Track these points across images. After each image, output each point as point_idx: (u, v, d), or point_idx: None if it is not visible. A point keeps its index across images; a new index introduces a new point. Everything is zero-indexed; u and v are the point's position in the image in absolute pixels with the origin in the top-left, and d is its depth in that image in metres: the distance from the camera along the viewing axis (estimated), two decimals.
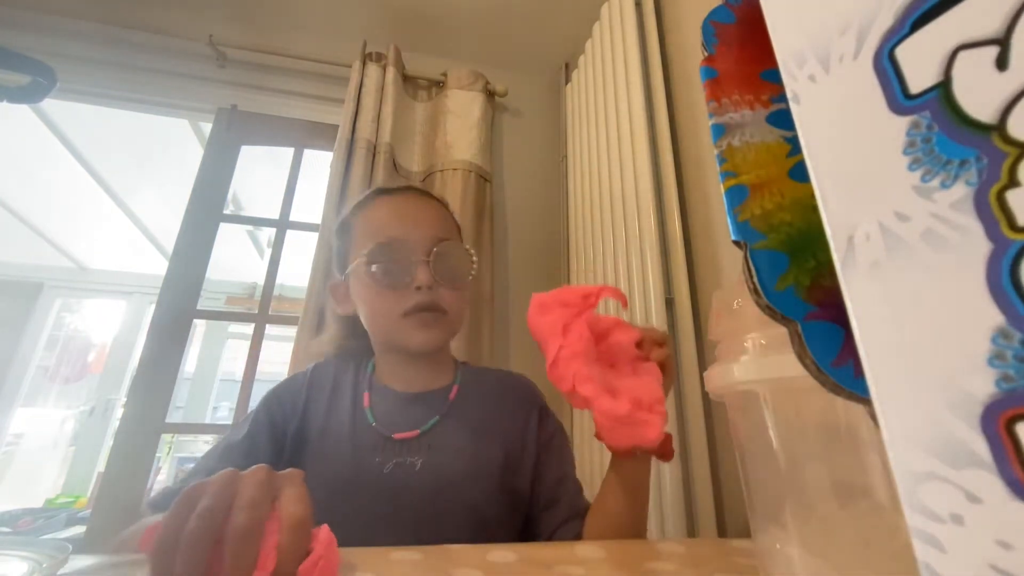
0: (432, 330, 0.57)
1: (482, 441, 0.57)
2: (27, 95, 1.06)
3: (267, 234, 2.75)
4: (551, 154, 1.54)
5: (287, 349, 1.10)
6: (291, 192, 1.39)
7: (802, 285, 0.17)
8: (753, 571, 0.27)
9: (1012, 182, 0.09)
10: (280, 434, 0.56)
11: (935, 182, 0.10)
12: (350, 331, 0.66)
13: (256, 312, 1.29)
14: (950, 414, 0.09)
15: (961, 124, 0.10)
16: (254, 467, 0.30)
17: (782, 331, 0.17)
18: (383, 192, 0.65)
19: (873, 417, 0.11)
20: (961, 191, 0.10)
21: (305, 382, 0.60)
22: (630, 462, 0.50)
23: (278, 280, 1.31)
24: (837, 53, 0.13)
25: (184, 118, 1.62)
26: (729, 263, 0.83)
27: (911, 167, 0.11)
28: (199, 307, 1.25)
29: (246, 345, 1.26)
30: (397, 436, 0.55)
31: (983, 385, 0.09)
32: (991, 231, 0.09)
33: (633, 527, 0.50)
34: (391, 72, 1.35)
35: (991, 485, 0.09)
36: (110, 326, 3.48)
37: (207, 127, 1.42)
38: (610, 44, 1.18)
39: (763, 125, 0.21)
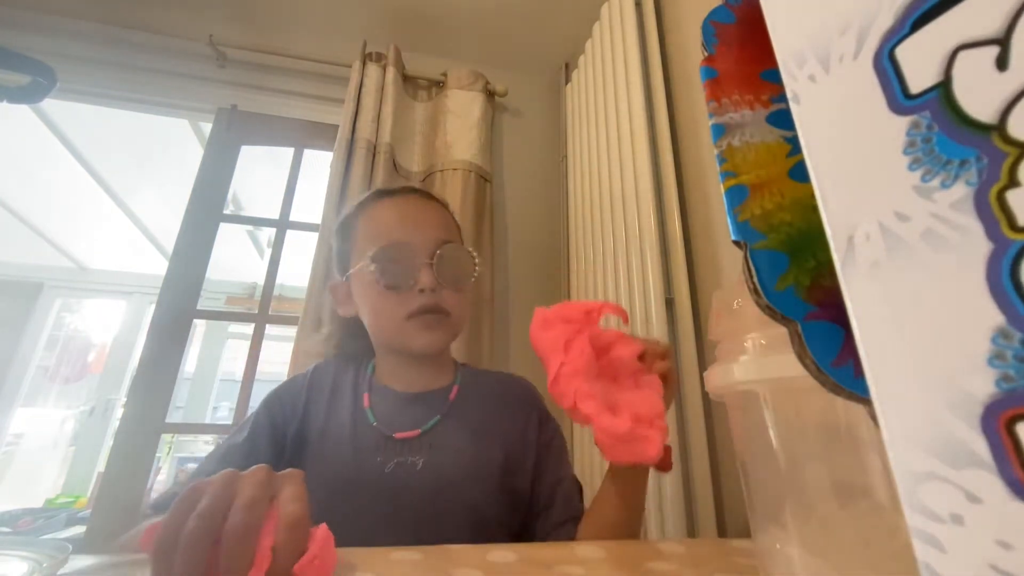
0: (436, 332, 0.58)
1: (483, 441, 0.58)
2: (27, 95, 1.06)
3: (267, 234, 2.75)
4: (551, 154, 1.54)
5: (287, 349, 1.10)
6: (291, 192, 1.39)
7: (802, 285, 0.17)
8: (753, 571, 0.27)
9: (1012, 182, 0.09)
10: (280, 435, 0.56)
11: (935, 182, 0.10)
12: (349, 331, 0.66)
13: (256, 312, 1.29)
14: (950, 414, 0.09)
15: (961, 124, 0.10)
16: (254, 467, 0.30)
17: (782, 331, 0.17)
18: (385, 193, 0.65)
19: (873, 417, 0.11)
20: (961, 191, 0.10)
21: (305, 383, 0.61)
22: (628, 471, 0.50)
23: (278, 280, 1.31)
24: (837, 53, 0.13)
25: (184, 118, 1.62)
26: (729, 263, 0.83)
27: (911, 167, 0.11)
28: (199, 307, 1.25)
29: (246, 345, 1.26)
30: (398, 436, 0.56)
31: (983, 385, 0.09)
32: (991, 231, 0.09)
33: (627, 532, 0.50)
34: (391, 72, 1.35)
35: (991, 485, 0.09)
36: (110, 326, 3.48)
37: (207, 127, 1.42)
38: (610, 44, 1.18)
39: (763, 125, 0.21)
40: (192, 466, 3.13)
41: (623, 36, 1.12)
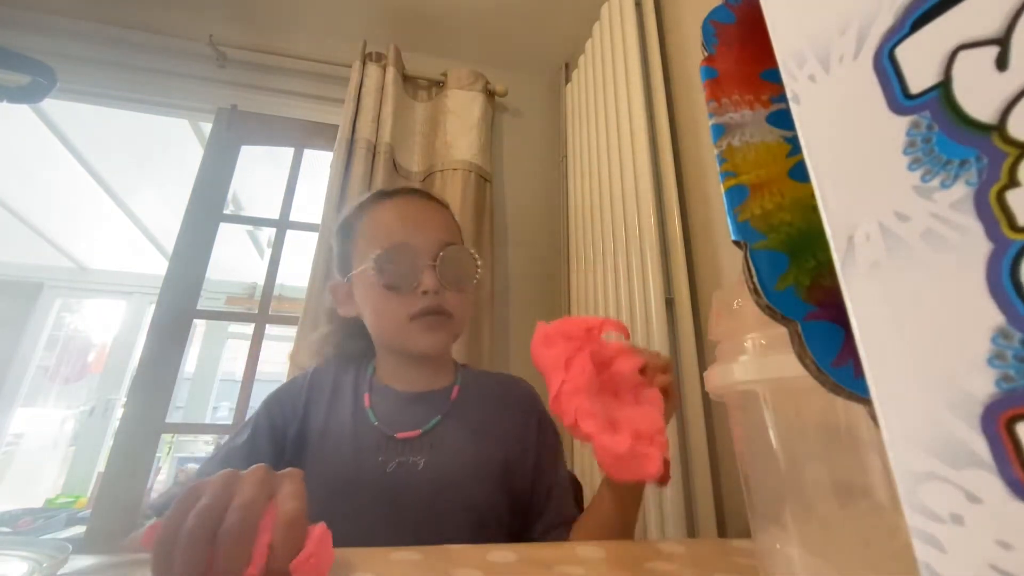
0: (438, 333, 0.58)
1: (484, 442, 0.58)
2: (27, 95, 1.06)
3: (267, 234, 2.75)
4: (551, 154, 1.54)
5: (287, 349, 1.10)
6: (291, 192, 1.39)
7: (802, 285, 0.17)
8: (753, 571, 0.27)
9: (1012, 182, 0.09)
10: (281, 437, 0.56)
11: (935, 182, 0.10)
12: (348, 331, 0.66)
13: (256, 312, 1.29)
14: (950, 414, 0.09)
15: (961, 124, 0.10)
16: (253, 467, 0.30)
17: (782, 331, 0.17)
18: (387, 195, 0.65)
19: (873, 417, 0.11)
20: (961, 191, 0.10)
21: (305, 384, 0.61)
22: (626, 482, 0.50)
23: (278, 280, 1.31)
24: (837, 53, 0.13)
25: (184, 118, 1.62)
26: (729, 263, 0.83)
27: (911, 167, 0.11)
28: (199, 307, 1.25)
29: (246, 345, 1.26)
30: (399, 436, 0.56)
31: (983, 385, 0.09)
32: (991, 231, 0.09)
33: (621, 537, 0.51)
34: (391, 72, 1.35)
35: (991, 485, 0.09)
36: (110, 326, 3.48)
37: (207, 127, 1.42)
38: (610, 44, 1.18)
39: (763, 125, 0.21)
40: (192, 466, 3.15)
41: (623, 36, 1.12)
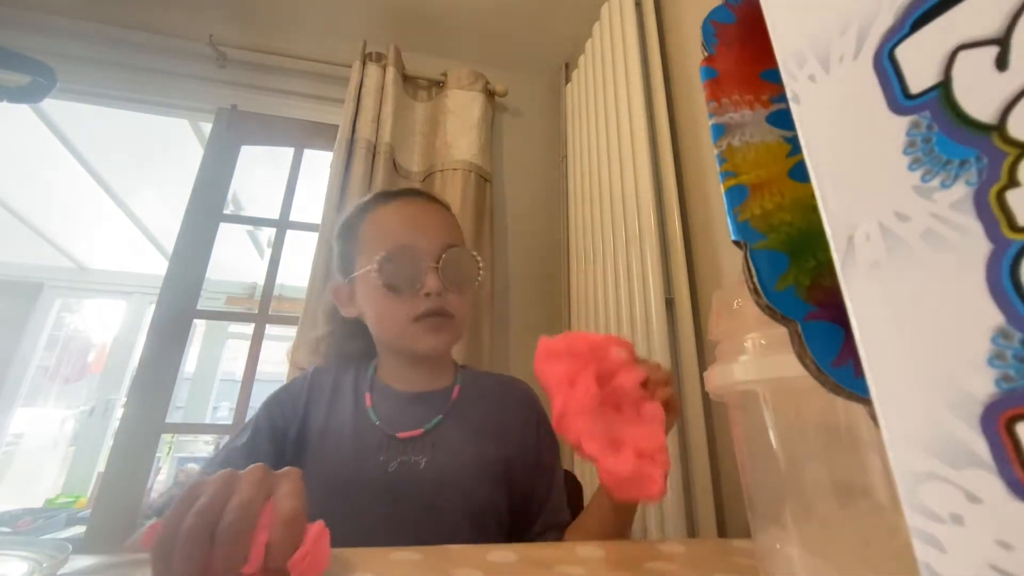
0: (441, 334, 0.58)
1: (484, 442, 0.58)
2: (27, 95, 1.06)
3: (267, 234, 2.75)
4: (551, 154, 1.54)
5: (287, 349, 1.10)
6: (291, 192, 1.39)
7: (802, 285, 0.17)
8: (753, 571, 0.27)
9: (1012, 182, 0.09)
10: (281, 437, 0.56)
11: (935, 182, 0.10)
12: (348, 332, 0.66)
13: (256, 312, 1.29)
14: (950, 414, 0.09)
15: (961, 124, 0.10)
16: (251, 466, 0.30)
17: (782, 331, 0.17)
18: (389, 196, 0.65)
19: (873, 417, 0.11)
20: (961, 191, 0.10)
21: (305, 385, 0.61)
22: None
23: (278, 280, 1.31)
24: (837, 53, 0.13)
25: (184, 118, 1.62)
26: (729, 263, 0.83)
27: (911, 167, 0.11)
28: (199, 307, 1.25)
29: (246, 345, 1.26)
30: (401, 435, 0.56)
31: (983, 385, 0.09)
32: (991, 231, 0.09)
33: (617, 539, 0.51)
34: (391, 72, 1.36)
35: (991, 485, 0.09)
36: (110, 326, 3.48)
37: (207, 127, 1.43)
38: (610, 44, 1.18)
39: (763, 125, 0.21)
40: (192, 466, 3.15)
41: (623, 36, 1.12)
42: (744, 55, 0.22)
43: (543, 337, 0.41)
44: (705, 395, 0.82)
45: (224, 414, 3.54)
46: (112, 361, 3.31)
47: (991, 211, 0.09)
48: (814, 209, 0.13)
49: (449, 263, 0.58)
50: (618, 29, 1.15)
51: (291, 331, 1.14)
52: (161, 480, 2.91)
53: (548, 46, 1.53)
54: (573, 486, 0.75)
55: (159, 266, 2.57)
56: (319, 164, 1.38)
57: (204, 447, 3.44)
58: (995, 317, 0.09)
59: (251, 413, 0.60)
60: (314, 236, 1.21)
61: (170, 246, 1.34)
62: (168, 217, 2.64)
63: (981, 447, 0.09)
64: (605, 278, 1.08)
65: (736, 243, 0.19)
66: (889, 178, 0.11)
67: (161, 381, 1.15)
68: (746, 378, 0.24)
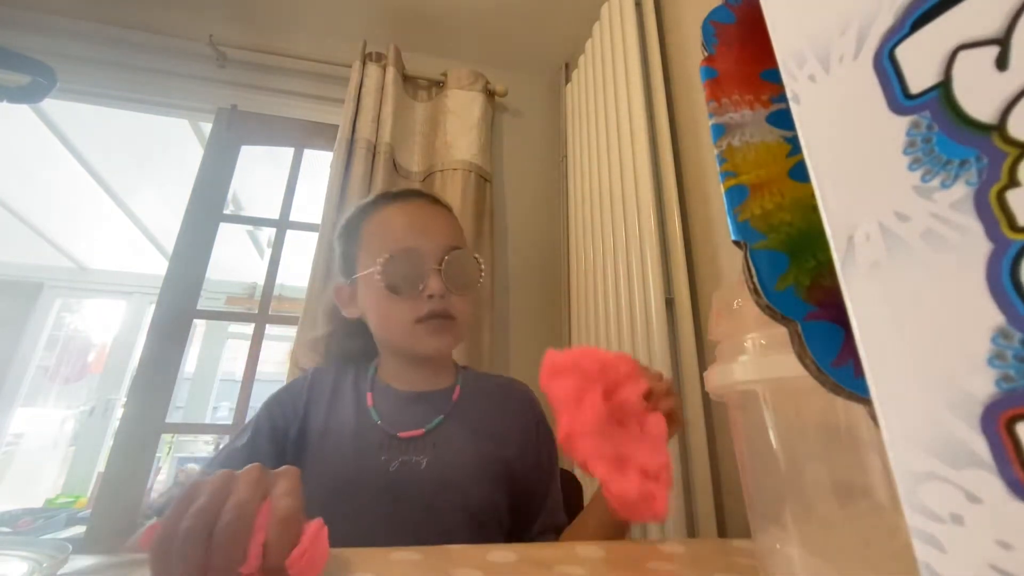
0: (444, 336, 0.59)
1: (485, 442, 0.58)
2: (27, 95, 1.06)
3: (267, 234, 2.75)
4: (551, 154, 1.54)
5: (287, 349, 1.10)
6: (291, 192, 1.39)
7: (802, 285, 0.17)
8: (753, 571, 0.27)
9: (1012, 182, 0.09)
10: (281, 437, 0.56)
11: (935, 182, 0.10)
12: (348, 332, 0.66)
13: (256, 312, 1.29)
14: (950, 414, 0.09)
15: (961, 124, 0.10)
16: (248, 467, 0.30)
17: (782, 331, 0.17)
18: (392, 197, 0.65)
19: (873, 417, 0.11)
20: (961, 191, 0.10)
21: (305, 385, 0.61)
22: None
23: (278, 280, 1.31)
24: (837, 53, 0.13)
25: (184, 118, 1.62)
26: (729, 263, 0.83)
27: (911, 167, 0.11)
28: (199, 307, 1.25)
29: (246, 345, 1.26)
30: (402, 435, 0.56)
31: (983, 385, 0.09)
32: (991, 231, 0.09)
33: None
34: (391, 72, 1.35)
35: (991, 485, 0.09)
36: (110, 326, 3.48)
37: (207, 127, 1.43)
38: (610, 44, 1.18)
39: (763, 125, 0.21)
40: (192, 466, 3.14)
41: (623, 36, 1.12)
42: (744, 55, 0.22)
43: (550, 351, 0.41)
44: (705, 395, 0.82)
45: (224, 414, 3.54)
46: (112, 361, 3.31)
47: (991, 211, 0.09)
48: (814, 209, 0.13)
49: (452, 265, 0.59)
50: (618, 29, 1.15)
51: (291, 331, 1.14)
52: (161, 480, 2.91)
53: (548, 46, 1.53)
54: (573, 486, 0.75)
55: (159, 266, 2.57)
56: (319, 164, 1.38)
57: (204, 447, 3.44)
58: (995, 317, 0.09)
59: (251, 413, 0.60)
60: (314, 236, 1.21)
61: (170, 246, 1.34)
62: (168, 217, 2.64)
63: (981, 447, 0.09)
64: (605, 278, 1.08)
65: (736, 243, 0.19)
66: (889, 178, 0.11)
67: (161, 381, 1.15)
68: (746, 378, 0.24)
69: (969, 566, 0.09)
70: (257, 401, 0.61)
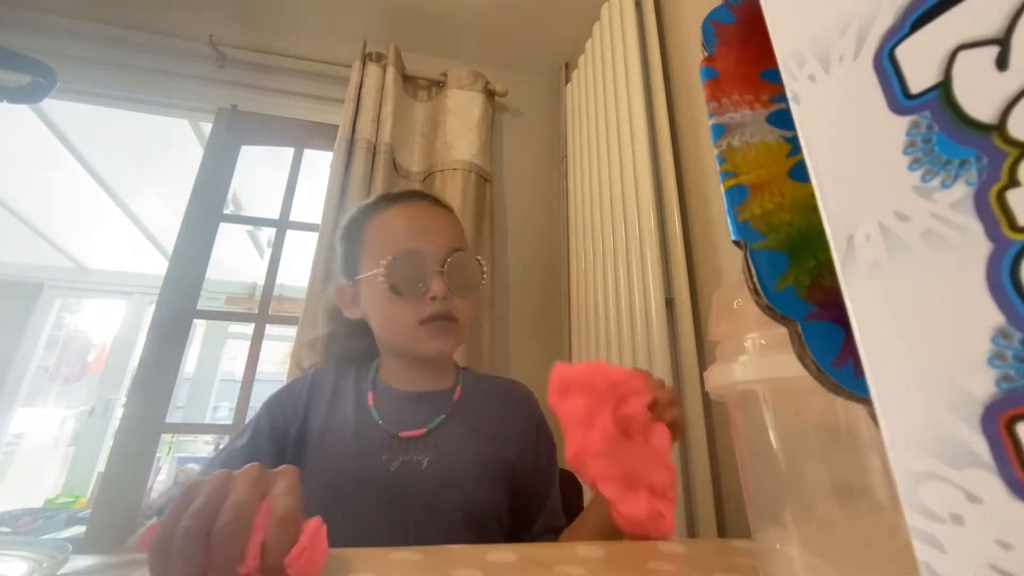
0: (447, 338, 0.59)
1: (485, 442, 0.58)
2: (27, 95, 1.06)
3: (267, 234, 2.75)
4: (551, 154, 1.54)
5: (287, 349, 1.10)
6: (291, 192, 1.39)
7: (802, 285, 0.17)
8: (753, 571, 0.27)
9: (1012, 182, 0.09)
10: (282, 437, 0.56)
11: (935, 182, 0.10)
12: (350, 332, 0.66)
13: (256, 312, 1.29)
14: (950, 414, 0.09)
15: (961, 124, 0.10)
16: (247, 466, 0.30)
17: (782, 331, 0.17)
18: (394, 199, 0.65)
19: (873, 417, 0.11)
20: (961, 191, 0.10)
21: (306, 385, 0.61)
22: None
23: (278, 280, 1.31)
24: (837, 53, 0.13)
25: (184, 118, 1.62)
26: (729, 263, 0.83)
27: (911, 167, 0.11)
28: (199, 307, 1.25)
29: (246, 345, 1.26)
30: (404, 434, 0.56)
31: (983, 385, 0.09)
32: (991, 231, 0.09)
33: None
34: (391, 72, 1.36)
35: (991, 485, 0.09)
36: (110, 326, 3.48)
37: (207, 127, 1.43)
38: (610, 44, 1.18)
39: (763, 125, 0.21)
40: (192, 466, 3.14)
41: (623, 36, 1.12)
42: (744, 55, 0.22)
43: (559, 364, 0.41)
44: (705, 395, 0.82)
45: (224, 414, 3.54)
46: (112, 361, 3.31)
47: (991, 211, 0.09)
48: (814, 209, 0.13)
49: (454, 267, 0.59)
50: (618, 29, 1.15)
51: (291, 331, 1.14)
52: (161, 480, 2.91)
53: (548, 46, 1.53)
54: (573, 486, 0.75)
55: (159, 266, 2.57)
56: (319, 164, 1.38)
57: (204, 447, 3.44)
58: (995, 317, 0.09)
59: (251, 413, 0.60)
60: (314, 236, 1.21)
61: (170, 246, 1.34)
62: (168, 217, 2.64)
63: (981, 447, 0.09)
64: (605, 278, 1.08)
65: (736, 243, 0.19)
66: (889, 178, 0.11)
67: (161, 381, 1.16)
68: (746, 378, 0.24)
69: (969, 566, 0.09)
70: (257, 401, 0.61)
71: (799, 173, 0.19)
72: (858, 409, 0.19)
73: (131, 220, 2.85)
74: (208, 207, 1.31)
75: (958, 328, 0.10)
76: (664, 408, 0.44)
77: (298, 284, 1.39)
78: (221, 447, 0.58)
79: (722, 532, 0.77)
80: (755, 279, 0.18)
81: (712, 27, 0.23)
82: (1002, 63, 0.09)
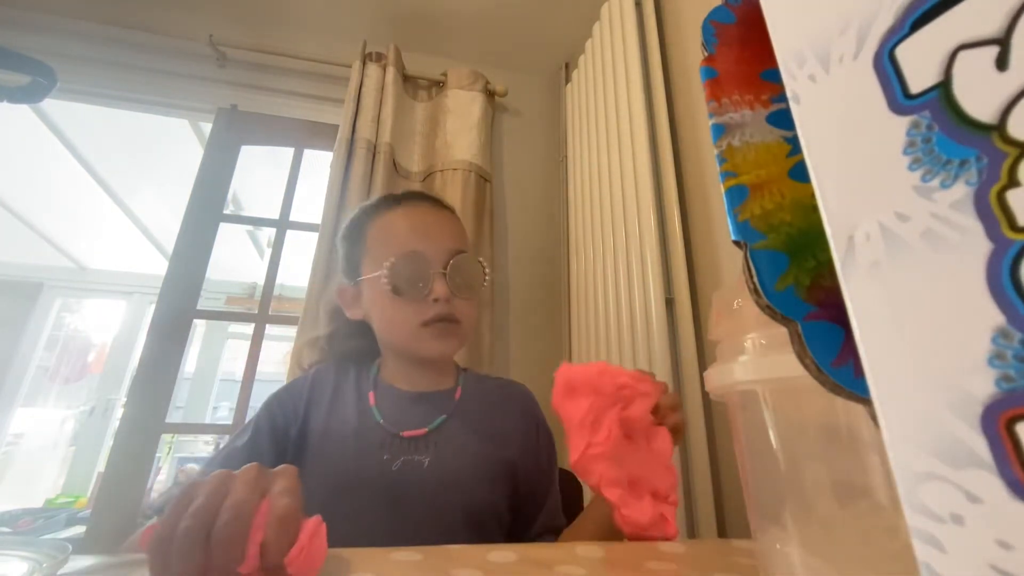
0: (449, 340, 0.59)
1: (486, 442, 0.58)
2: (27, 95, 1.06)
3: (267, 234, 2.75)
4: (551, 154, 1.54)
5: (287, 349, 1.10)
6: (291, 192, 1.39)
7: (802, 285, 0.17)
8: (753, 571, 0.27)
9: (1012, 182, 0.09)
10: (282, 437, 0.56)
11: (935, 182, 0.10)
12: (349, 332, 0.66)
13: (256, 312, 1.29)
14: (950, 414, 0.09)
15: (961, 124, 0.10)
16: (246, 466, 0.30)
17: (782, 331, 0.17)
18: (397, 200, 0.65)
19: (873, 417, 0.11)
20: (961, 191, 0.10)
21: (306, 385, 0.61)
22: None
23: (278, 280, 1.31)
24: (837, 53, 0.13)
25: (184, 118, 1.62)
26: (729, 263, 0.83)
27: (911, 167, 0.11)
28: (199, 307, 1.25)
29: (246, 345, 1.26)
30: (405, 434, 0.56)
31: (983, 385, 0.09)
32: (991, 231, 0.09)
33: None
34: (391, 72, 1.35)
35: (991, 485, 0.09)
36: (110, 326, 3.48)
37: (207, 127, 1.43)
38: (610, 44, 1.18)
39: (763, 125, 0.21)
40: (192, 466, 3.14)
41: (623, 36, 1.12)
42: (744, 55, 0.22)
43: (565, 364, 0.40)
44: (705, 395, 0.82)
45: (224, 414, 3.54)
46: (112, 361, 3.31)
47: (991, 211, 0.09)
48: (814, 209, 0.13)
49: (456, 269, 0.59)
50: (618, 29, 1.15)
51: (291, 331, 1.14)
52: (161, 480, 2.91)
53: (548, 46, 1.53)
54: (573, 486, 0.75)
55: (159, 266, 2.57)
56: (319, 164, 1.38)
57: (204, 447, 3.43)
58: (995, 317, 0.09)
59: (251, 413, 0.60)
60: (314, 236, 1.21)
61: (170, 246, 1.34)
62: (168, 217, 2.64)
63: (981, 447, 0.09)
64: (605, 278, 1.08)
65: (736, 243, 0.19)
66: (889, 178, 0.11)
67: (161, 381, 1.15)
68: (746, 378, 0.24)
69: (969, 566, 0.09)
70: (257, 401, 0.61)
71: (799, 173, 0.19)
72: (858, 409, 0.19)
73: (131, 220, 2.85)
74: (208, 207, 1.31)
75: (958, 328, 0.10)
76: (667, 412, 0.44)
77: (298, 284, 1.39)
78: (221, 446, 0.58)
79: (722, 532, 0.77)
80: (755, 279, 0.18)
81: (712, 27, 0.23)
82: (1002, 63, 0.09)
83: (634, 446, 0.39)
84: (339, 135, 1.27)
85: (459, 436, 0.58)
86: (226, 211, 1.35)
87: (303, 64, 1.39)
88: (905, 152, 0.11)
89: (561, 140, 1.48)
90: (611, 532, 0.52)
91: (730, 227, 0.19)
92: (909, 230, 0.11)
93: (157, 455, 1.13)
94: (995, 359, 0.09)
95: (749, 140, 0.20)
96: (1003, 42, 0.09)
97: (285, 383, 0.64)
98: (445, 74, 1.47)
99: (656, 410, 0.42)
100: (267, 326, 1.27)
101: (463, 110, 1.41)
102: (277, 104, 1.43)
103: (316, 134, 1.43)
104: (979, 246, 0.09)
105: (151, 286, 3.09)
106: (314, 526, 0.29)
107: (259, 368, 1.22)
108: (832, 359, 0.16)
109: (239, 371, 1.23)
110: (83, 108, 1.49)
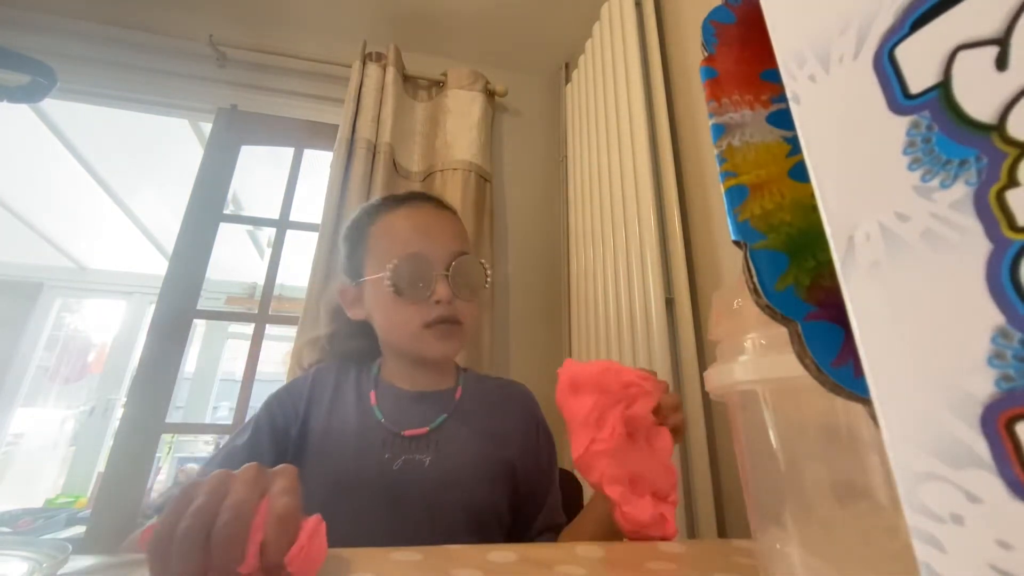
0: (451, 341, 0.59)
1: (487, 442, 0.59)
2: (27, 95, 1.06)
3: (267, 234, 2.75)
4: (551, 154, 1.54)
5: (287, 349, 1.10)
6: (291, 192, 1.39)
7: (802, 285, 0.17)
8: (753, 571, 0.27)
9: (1012, 182, 0.09)
10: (282, 437, 0.56)
11: (935, 182, 0.10)
12: (351, 332, 0.66)
13: (256, 312, 1.29)
14: (950, 414, 0.09)
15: (961, 124, 0.10)
16: (245, 466, 0.30)
17: (782, 331, 0.17)
18: (399, 201, 0.65)
19: (873, 417, 0.11)
20: (961, 191, 0.10)
21: (307, 384, 0.61)
22: None
23: (278, 280, 1.31)
24: (837, 53, 0.13)
25: (184, 118, 1.62)
26: (729, 263, 0.83)
27: (911, 167, 0.11)
28: (199, 307, 1.25)
29: (246, 345, 1.26)
30: (406, 433, 0.56)
31: (983, 385, 0.09)
32: (991, 231, 0.09)
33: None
34: (391, 72, 1.36)
35: (991, 485, 0.09)
36: (110, 326, 3.48)
37: (207, 127, 1.43)
38: (610, 44, 1.18)
39: (763, 125, 0.21)
40: (192, 466, 3.14)
41: (623, 36, 1.12)
42: (744, 55, 0.22)
43: (569, 361, 0.40)
44: (705, 395, 0.82)
45: (224, 414, 3.54)
46: (112, 361, 3.31)
47: (991, 211, 0.09)
48: (814, 209, 0.13)
49: (458, 271, 0.59)
50: (618, 29, 1.15)
51: (291, 331, 1.14)
52: (161, 480, 2.91)
53: (548, 46, 1.53)
54: (573, 486, 0.75)
55: (159, 266, 2.57)
56: (319, 164, 1.38)
57: (204, 447, 3.43)
58: (995, 317, 0.09)
59: (251, 413, 0.60)
60: (314, 236, 1.21)
61: (170, 246, 1.34)
62: (168, 217, 2.64)
63: (981, 447, 0.09)
64: (605, 278, 1.08)
65: (736, 243, 0.19)
66: (889, 178, 0.11)
67: (161, 381, 1.15)
68: (746, 378, 0.24)
69: (969, 566, 0.09)
70: (257, 401, 0.61)
71: (799, 173, 0.19)
72: (858, 409, 0.19)
73: (131, 220, 2.85)
74: (208, 207, 1.31)
75: (958, 328, 0.10)
76: (668, 412, 0.44)
77: (298, 284, 1.39)
78: (221, 445, 0.58)
79: (722, 532, 0.77)
80: (755, 279, 0.18)
81: (712, 27, 0.23)
82: (1002, 63, 0.09)
83: (635, 445, 0.39)
84: (339, 135, 1.27)
85: (460, 435, 0.58)
86: (226, 211, 1.35)
87: (303, 64, 1.39)
88: (905, 152, 0.11)
89: (561, 140, 1.48)
90: (610, 531, 0.52)
91: (730, 227, 0.19)
92: (909, 230, 0.11)
93: (157, 455, 1.13)
94: (995, 359, 0.09)
95: (749, 140, 0.20)
96: (1003, 42, 0.09)
97: (285, 383, 0.64)
98: (445, 74, 1.47)
99: (657, 410, 0.42)
100: (267, 326, 1.27)
101: (463, 110, 1.42)
102: (277, 104, 1.43)
103: (316, 134, 1.43)
104: (979, 246, 0.09)
105: (151, 286, 3.09)
106: (314, 526, 0.29)
107: (259, 368, 1.22)
108: (832, 359, 0.16)
109: (239, 371, 1.23)
110: (83, 108, 1.49)
